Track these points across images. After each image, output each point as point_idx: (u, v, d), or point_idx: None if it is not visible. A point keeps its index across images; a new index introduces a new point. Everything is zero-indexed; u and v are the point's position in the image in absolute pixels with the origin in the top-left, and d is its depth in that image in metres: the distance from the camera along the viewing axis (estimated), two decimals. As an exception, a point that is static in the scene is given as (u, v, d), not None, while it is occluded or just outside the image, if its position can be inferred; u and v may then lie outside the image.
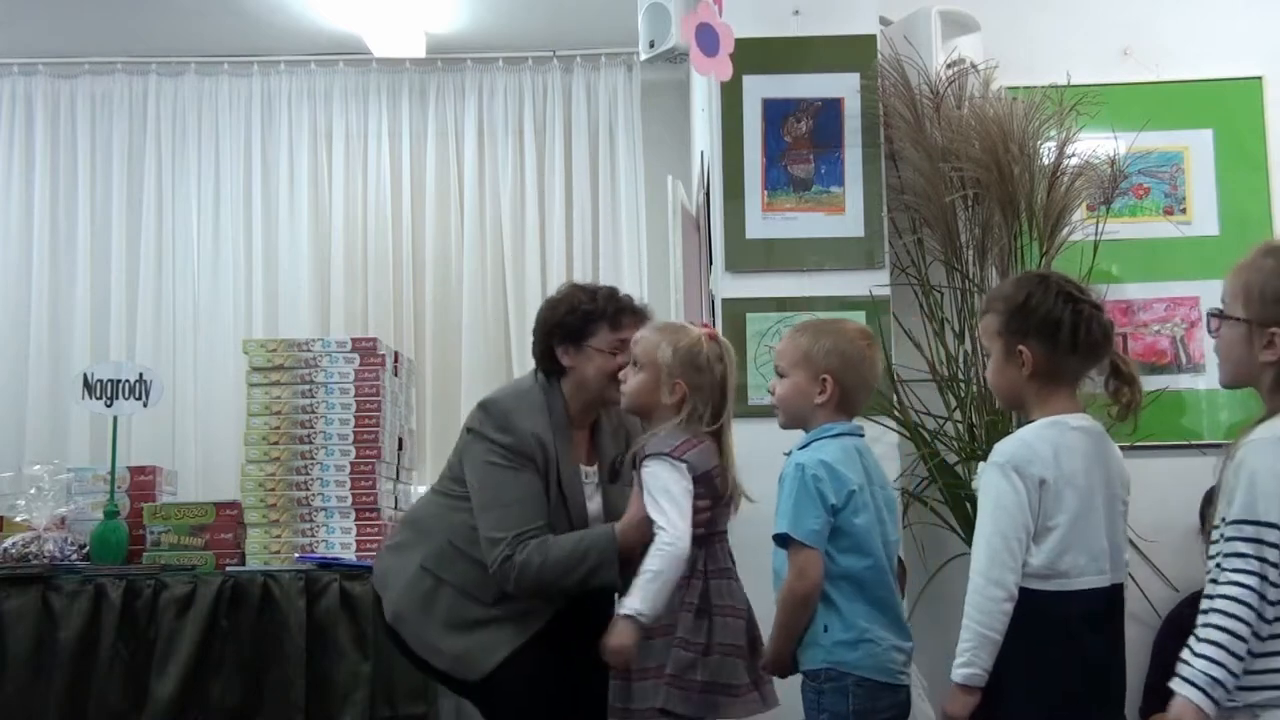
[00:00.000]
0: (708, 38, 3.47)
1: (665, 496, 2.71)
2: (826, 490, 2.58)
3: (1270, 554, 2.03)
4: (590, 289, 3.09)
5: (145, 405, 4.28)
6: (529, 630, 2.91)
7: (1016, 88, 3.66)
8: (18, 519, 4.07)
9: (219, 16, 5.66)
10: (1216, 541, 2.13)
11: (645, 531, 2.72)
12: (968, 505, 3.35)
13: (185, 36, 5.91)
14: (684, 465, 2.73)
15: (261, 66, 6.10)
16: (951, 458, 3.55)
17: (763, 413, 3.06)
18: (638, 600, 2.64)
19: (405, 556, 3.04)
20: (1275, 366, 2.14)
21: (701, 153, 4.43)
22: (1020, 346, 2.46)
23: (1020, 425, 2.66)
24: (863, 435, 2.79)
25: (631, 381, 2.85)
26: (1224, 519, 2.11)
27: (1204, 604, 2.09)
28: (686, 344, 2.81)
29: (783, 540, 2.59)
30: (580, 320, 2.99)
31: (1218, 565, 2.09)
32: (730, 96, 3.73)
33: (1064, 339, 2.43)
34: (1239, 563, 2.04)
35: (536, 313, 3.13)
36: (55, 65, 6.07)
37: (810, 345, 2.71)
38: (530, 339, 3.13)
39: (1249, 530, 2.05)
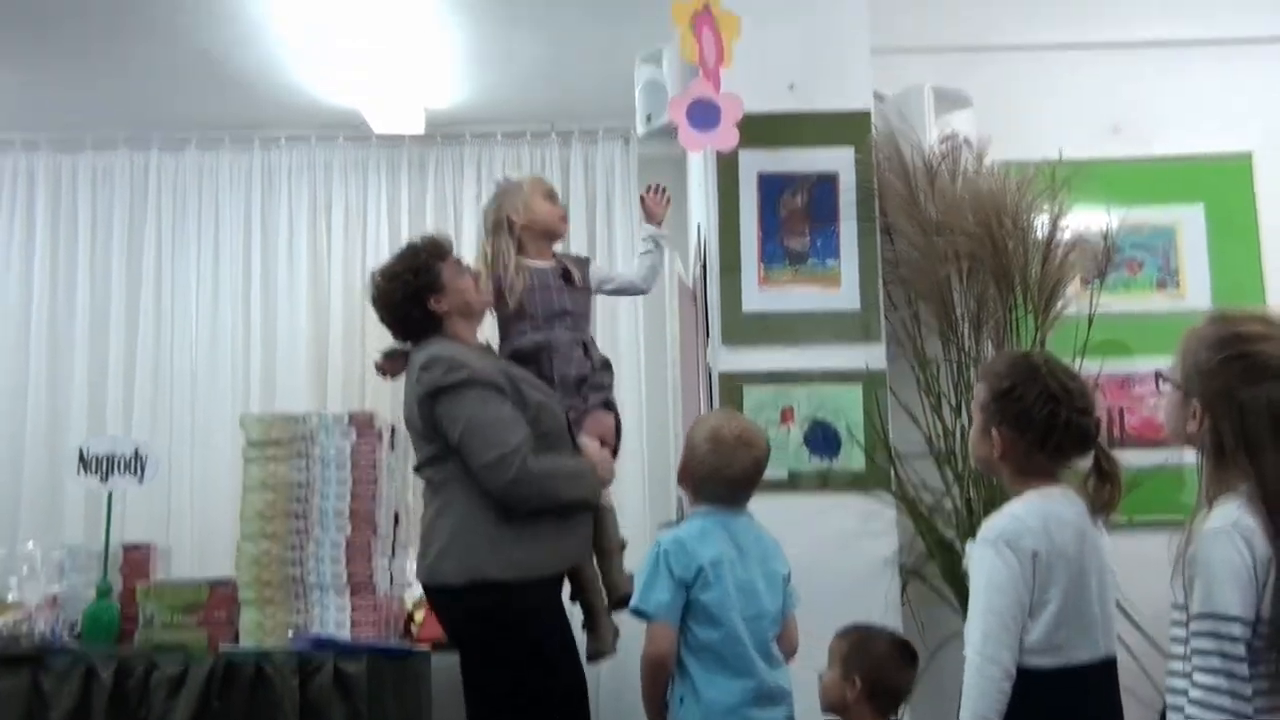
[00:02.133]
0: (702, 113, 3.49)
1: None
2: (675, 566, 2.83)
3: (1230, 647, 1.99)
4: (402, 256, 3.34)
5: (141, 482, 4.25)
6: (565, 565, 3.18)
7: (1009, 163, 3.68)
8: (9, 598, 4.03)
9: (222, 92, 5.71)
10: (1179, 623, 2.11)
11: (609, 468, 3.33)
12: (966, 581, 3.32)
13: (188, 111, 5.96)
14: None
15: (262, 141, 6.14)
16: (949, 533, 3.53)
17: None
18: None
19: (440, 526, 3.12)
20: (1202, 438, 2.13)
21: (698, 226, 4.45)
22: (994, 429, 2.47)
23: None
24: (743, 516, 2.98)
25: None
26: (1182, 606, 2.09)
27: (1179, 699, 2.06)
28: None
29: (635, 612, 2.87)
30: (427, 273, 3.25)
31: (1185, 655, 2.07)
32: (726, 171, 3.76)
33: (1034, 437, 2.44)
34: (1202, 660, 2.01)
35: (379, 306, 3.31)
36: (58, 140, 6.12)
37: (688, 433, 3.07)
38: None
39: (1209, 624, 2.02)
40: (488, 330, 3.60)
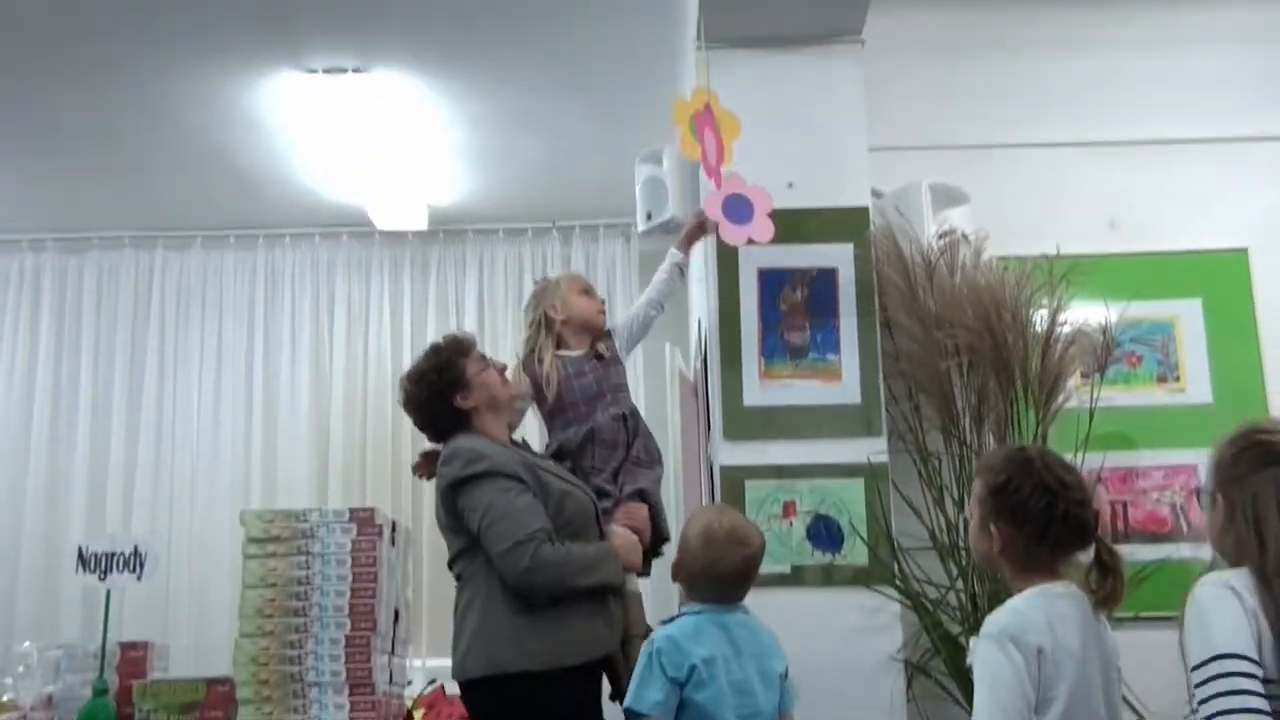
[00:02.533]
0: (735, 207, 3.52)
1: None
2: (668, 664, 2.78)
3: (1244, 683, 1.99)
4: (427, 357, 3.32)
5: (139, 579, 4.22)
6: (590, 654, 3.07)
7: (1007, 257, 3.71)
8: (5, 698, 3.98)
9: (227, 191, 5.79)
10: (1190, 699, 2.12)
11: (636, 555, 3.28)
12: (972, 677, 3.28)
13: (193, 211, 6.03)
14: None
15: (267, 239, 6.21)
16: (955, 628, 3.50)
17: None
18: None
19: (468, 620, 3.09)
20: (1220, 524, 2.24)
21: (699, 321, 4.47)
22: (991, 525, 2.46)
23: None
24: (738, 612, 2.93)
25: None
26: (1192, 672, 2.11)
27: None
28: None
29: (629, 713, 2.79)
30: (451, 371, 3.24)
31: (1193, 709, 2.08)
32: (727, 266, 3.79)
33: (1032, 531, 2.43)
34: (1216, 704, 2.00)
35: (409, 408, 3.31)
36: (64, 240, 6.18)
37: (682, 534, 3.02)
38: None
39: (1213, 668, 2.02)
40: (536, 432, 3.64)
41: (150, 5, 4.26)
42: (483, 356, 3.33)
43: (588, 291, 3.68)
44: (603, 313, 3.69)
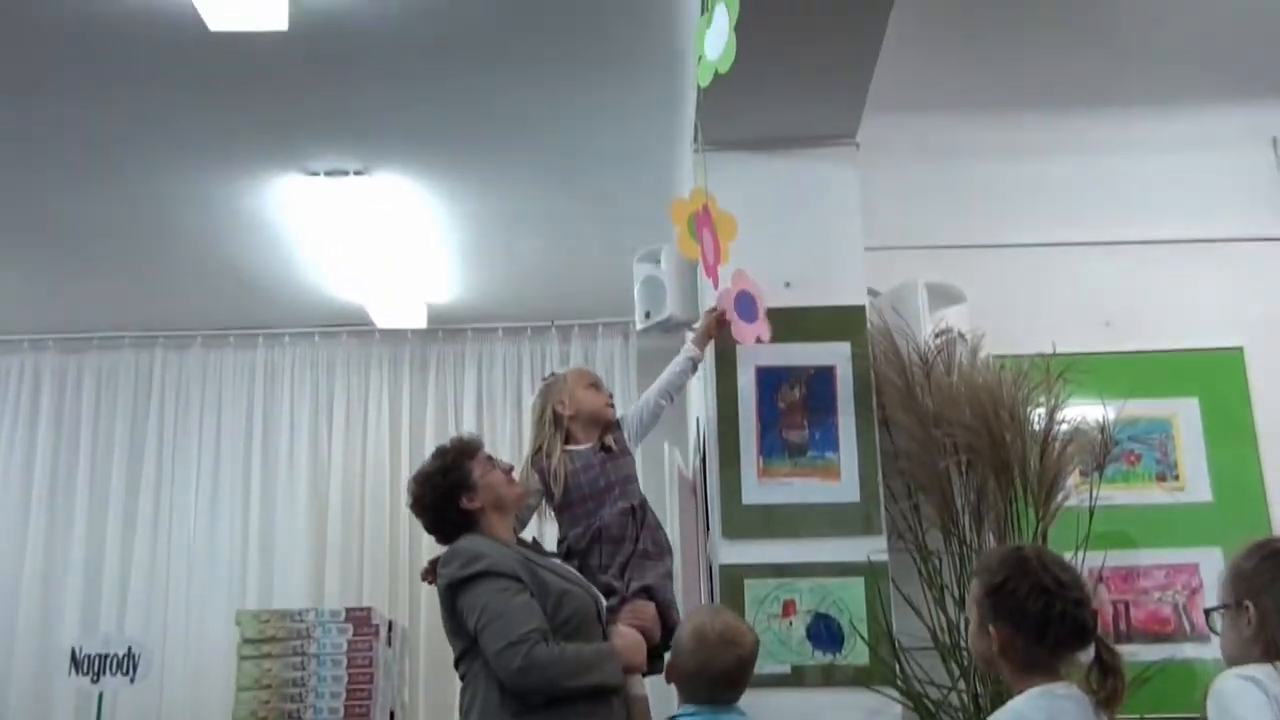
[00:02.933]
0: (746, 305, 3.56)
1: None
2: None
3: None
4: (433, 459, 3.31)
5: (133, 681, 4.19)
6: None
7: (1004, 356, 3.73)
8: (-6, 803, 3.92)
9: (228, 292, 5.83)
10: None
11: (640, 654, 3.19)
12: (976, 781, 3.24)
13: (193, 311, 6.07)
14: None
15: (266, 338, 6.24)
16: (957, 730, 3.46)
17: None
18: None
19: None
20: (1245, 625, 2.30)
21: (697, 419, 4.48)
22: (990, 626, 2.44)
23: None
24: (733, 713, 2.92)
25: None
26: None
27: None
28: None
29: None
30: (457, 472, 3.22)
31: None
32: (725, 364, 3.80)
33: (1030, 631, 2.41)
34: None
35: (417, 510, 3.27)
36: (64, 340, 6.20)
37: (675, 635, 3.04)
38: None
39: None
40: (550, 530, 3.62)
41: (154, 110, 4.33)
42: (489, 457, 3.31)
43: (595, 385, 3.68)
44: (611, 405, 3.68)
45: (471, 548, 3.12)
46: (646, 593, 3.41)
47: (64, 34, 3.80)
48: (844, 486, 3.70)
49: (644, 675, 3.32)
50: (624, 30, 3.91)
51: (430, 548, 6.06)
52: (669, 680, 3.01)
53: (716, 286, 3.60)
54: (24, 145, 4.56)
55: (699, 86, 3.11)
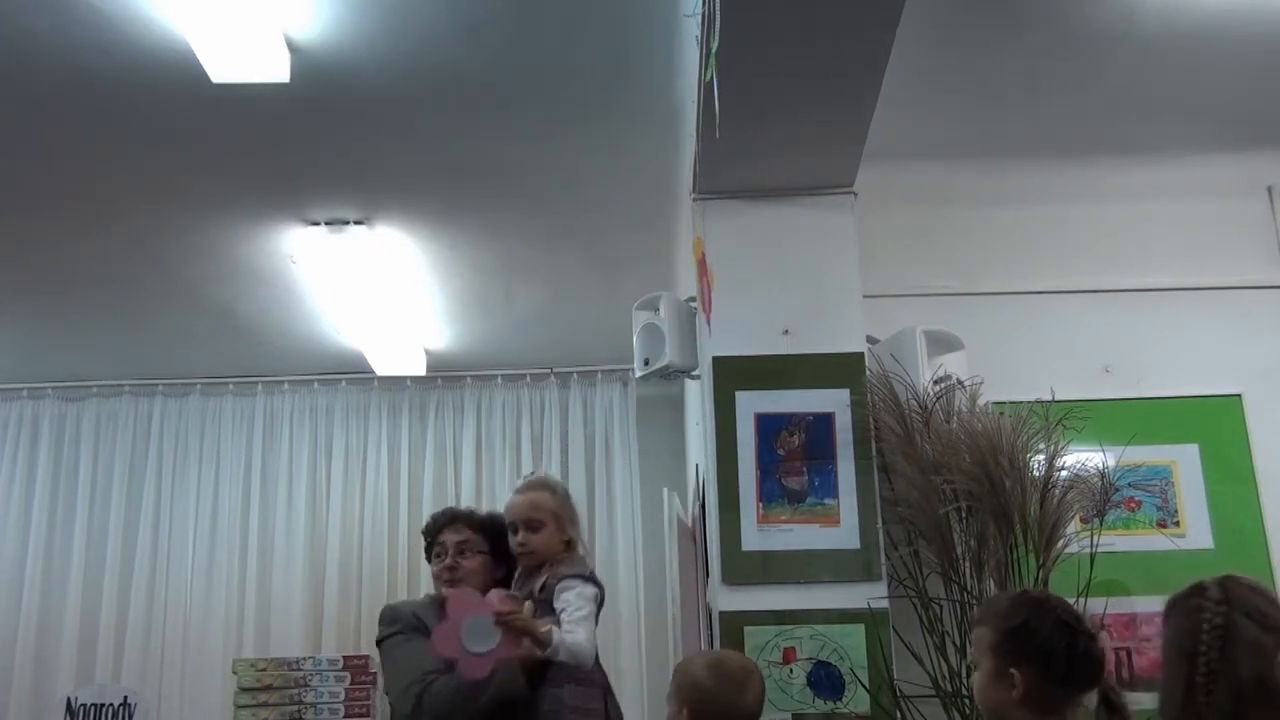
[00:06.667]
0: (477, 630, 3.03)
1: (587, 604, 3.09)
2: None
3: None
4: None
5: (128, 731, 4.16)
6: None
7: (1003, 403, 3.73)
8: None
9: (227, 340, 5.84)
10: None
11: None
12: (980, 831, 3.21)
13: (192, 359, 6.07)
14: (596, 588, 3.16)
15: (265, 386, 6.24)
16: (960, 780, 3.43)
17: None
18: (558, 641, 2.93)
19: None
20: None
21: (696, 465, 4.47)
22: (1012, 669, 2.40)
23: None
24: None
25: (538, 538, 3.19)
26: None
27: None
28: (563, 488, 3.31)
29: None
30: (428, 539, 3.42)
31: None
32: (724, 410, 3.81)
33: (1057, 670, 2.38)
34: None
35: None
36: (63, 389, 6.21)
37: (678, 675, 2.92)
38: None
39: None
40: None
41: (155, 160, 4.35)
42: (461, 543, 3.35)
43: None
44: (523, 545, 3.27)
45: (398, 606, 3.36)
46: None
47: (65, 85, 3.83)
48: (844, 532, 3.69)
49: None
50: (623, 83, 3.94)
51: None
52: None
53: (710, 325, 3.64)
54: (25, 195, 4.58)
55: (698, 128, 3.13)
